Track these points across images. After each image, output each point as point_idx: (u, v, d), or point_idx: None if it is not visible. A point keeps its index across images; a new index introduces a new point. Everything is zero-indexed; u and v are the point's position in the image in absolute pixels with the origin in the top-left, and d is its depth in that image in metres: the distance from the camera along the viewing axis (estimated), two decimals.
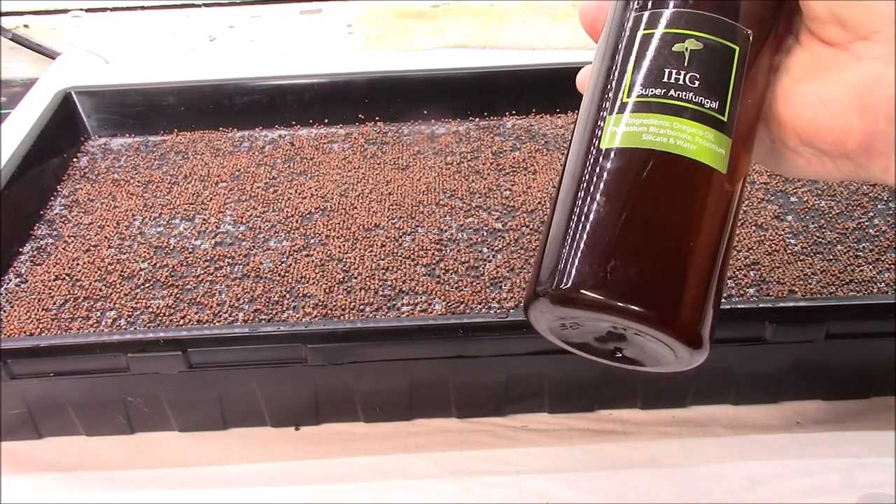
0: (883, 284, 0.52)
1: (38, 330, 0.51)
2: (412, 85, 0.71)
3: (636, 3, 0.31)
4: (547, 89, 0.71)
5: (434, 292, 0.52)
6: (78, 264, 0.56)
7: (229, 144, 0.69)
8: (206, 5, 0.95)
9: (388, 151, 0.67)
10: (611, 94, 0.30)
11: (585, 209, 0.28)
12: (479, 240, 0.57)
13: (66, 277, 0.55)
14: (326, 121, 0.71)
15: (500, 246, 0.56)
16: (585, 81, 0.34)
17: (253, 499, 0.46)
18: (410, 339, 0.45)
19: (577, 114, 0.32)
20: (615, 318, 0.28)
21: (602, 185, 0.28)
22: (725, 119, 0.29)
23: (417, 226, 0.58)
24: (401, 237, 0.57)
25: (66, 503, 0.46)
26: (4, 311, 0.52)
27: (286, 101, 0.71)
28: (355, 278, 0.54)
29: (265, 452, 0.49)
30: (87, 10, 0.95)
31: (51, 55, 0.95)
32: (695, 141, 0.28)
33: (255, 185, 0.64)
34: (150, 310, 0.52)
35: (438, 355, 0.46)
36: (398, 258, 0.55)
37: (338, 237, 0.58)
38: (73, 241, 0.59)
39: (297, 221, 0.60)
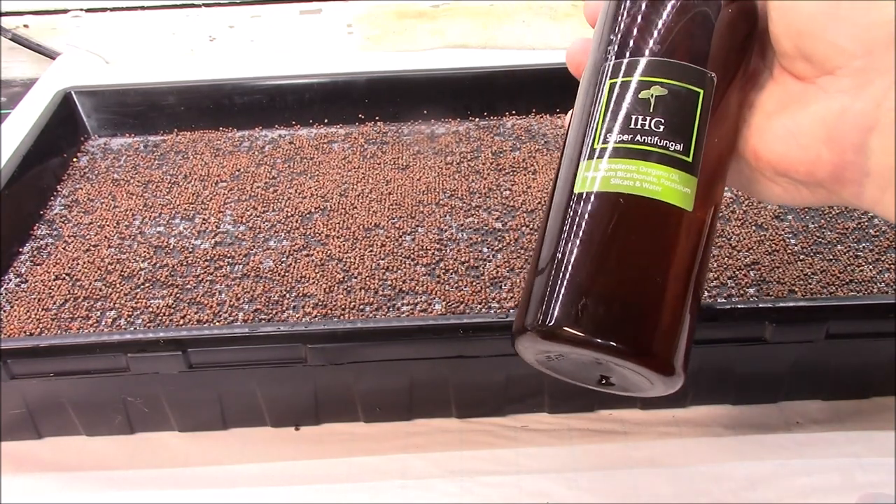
0: (883, 284, 0.52)
1: (38, 330, 0.51)
2: (412, 85, 0.71)
3: (610, 52, 0.33)
4: (547, 89, 0.71)
5: (434, 292, 0.52)
6: (78, 264, 0.56)
7: (229, 144, 0.69)
8: (206, 5, 0.95)
9: (388, 151, 0.67)
10: (586, 140, 0.32)
11: (562, 250, 0.31)
12: (479, 240, 0.57)
13: (66, 277, 0.55)
14: (326, 121, 0.71)
15: (500, 246, 0.56)
16: (577, 60, 0.36)
17: (253, 499, 0.46)
18: (410, 339, 0.45)
19: (561, 153, 0.35)
20: (592, 353, 0.30)
21: (576, 228, 0.31)
22: (691, 160, 0.31)
23: (417, 225, 0.58)
24: (401, 237, 0.57)
25: (65, 503, 0.46)
26: (4, 311, 0.52)
27: (286, 101, 0.71)
28: (355, 278, 0.54)
29: (265, 452, 0.49)
30: (87, 10, 0.95)
31: (51, 55, 0.95)
32: (660, 183, 0.30)
33: (255, 184, 0.64)
34: (150, 310, 0.52)
35: (438, 355, 0.46)
36: (398, 258, 0.55)
37: (338, 237, 0.58)
38: (73, 241, 0.59)
39: (297, 221, 0.60)
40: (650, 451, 0.48)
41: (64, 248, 0.58)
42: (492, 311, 0.51)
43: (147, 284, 0.54)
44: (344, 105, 0.71)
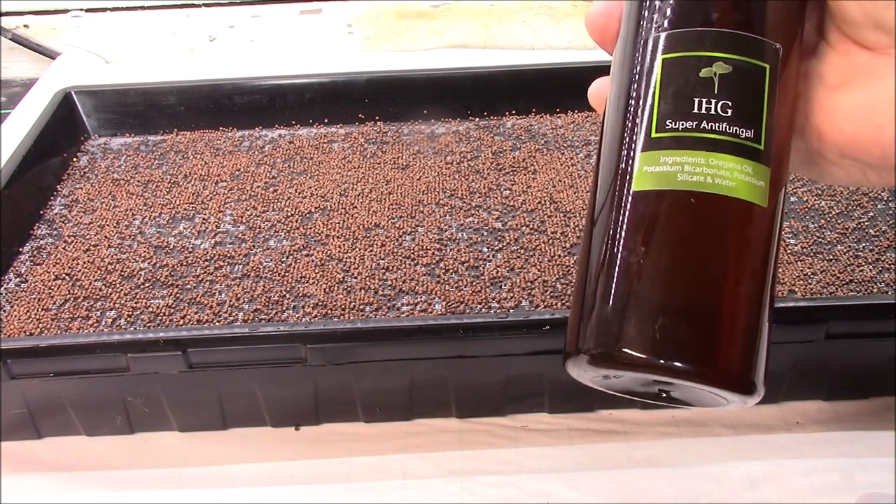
0: (883, 284, 0.52)
1: (38, 330, 0.51)
2: (412, 85, 0.71)
3: (654, 21, 0.29)
4: (547, 89, 0.71)
5: (434, 292, 0.52)
6: (78, 264, 0.56)
7: (229, 144, 0.69)
8: (206, 5, 0.95)
9: (388, 151, 0.67)
10: (637, 128, 0.28)
11: (622, 260, 0.26)
12: (479, 239, 0.57)
13: (66, 277, 0.55)
14: (326, 120, 0.71)
15: (500, 246, 0.56)
16: (600, 95, 0.31)
17: (253, 499, 0.46)
18: (410, 339, 0.45)
19: (601, 139, 0.30)
20: (667, 377, 0.26)
21: (638, 234, 0.26)
22: (762, 147, 0.27)
23: (417, 225, 0.58)
24: (401, 237, 0.57)
25: (65, 503, 0.46)
26: (4, 311, 0.52)
27: (286, 101, 0.71)
28: (355, 278, 0.54)
29: (265, 452, 0.49)
30: (87, 10, 0.94)
31: (51, 55, 0.95)
32: (734, 177, 0.26)
33: (255, 184, 0.64)
34: (150, 310, 0.52)
35: (438, 355, 0.46)
36: (398, 258, 0.55)
37: (338, 237, 0.58)
38: (73, 241, 0.59)
39: (296, 221, 0.60)
40: (650, 451, 0.48)
41: (64, 248, 0.58)
42: (492, 311, 0.51)
43: (147, 284, 0.54)
44: (344, 105, 0.71)
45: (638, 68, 0.28)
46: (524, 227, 0.58)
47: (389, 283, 0.53)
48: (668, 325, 0.25)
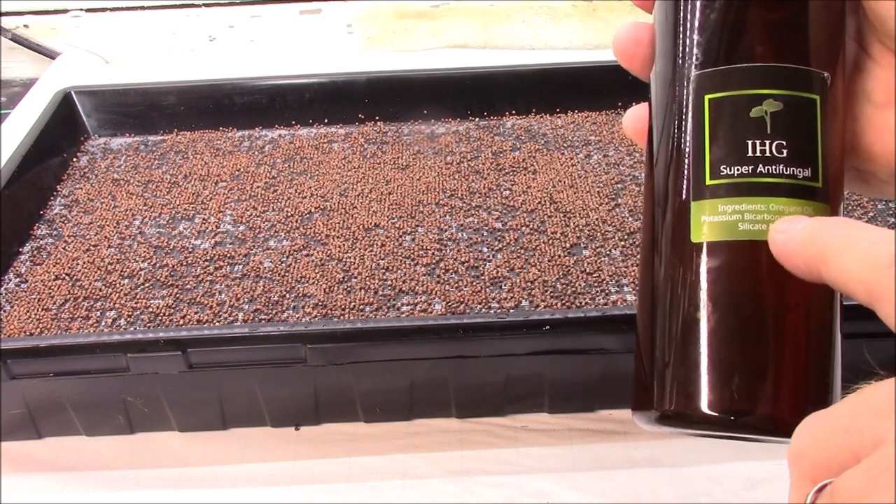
0: None
1: (38, 330, 0.51)
2: (412, 85, 0.71)
3: (694, 56, 0.27)
4: (547, 89, 0.71)
5: (434, 292, 0.52)
6: (78, 264, 0.56)
7: (229, 144, 0.69)
8: (206, 5, 0.95)
9: (388, 151, 0.67)
10: (688, 173, 0.26)
11: (689, 315, 0.25)
12: (479, 240, 0.57)
13: (66, 277, 0.55)
14: (326, 120, 0.71)
15: (500, 246, 0.56)
16: (636, 128, 0.30)
17: (253, 499, 0.46)
18: (410, 339, 0.45)
19: (649, 179, 0.28)
20: (745, 435, 0.25)
21: (702, 290, 0.25)
22: (820, 185, 0.25)
23: (417, 225, 0.58)
24: (401, 237, 0.57)
25: (65, 503, 0.46)
26: (4, 311, 0.52)
27: (286, 101, 0.71)
28: (355, 278, 0.54)
29: (265, 452, 0.49)
30: (87, 10, 0.94)
31: (51, 55, 0.95)
32: None
33: (255, 184, 0.64)
34: (150, 310, 0.52)
35: (438, 355, 0.46)
36: (398, 258, 0.55)
37: (338, 237, 0.58)
38: (72, 241, 0.59)
39: (296, 221, 0.60)
40: (650, 451, 0.48)
41: (64, 248, 0.58)
42: (492, 311, 0.51)
43: (147, 284, 0.54)
44: (344, 105, 0.71)
45: (681, 108, 0.27)
46: (524, 227, 0.58)
47: (389, 283, 0.53)
48: (746, 384, 0.24)
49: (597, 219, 0.58)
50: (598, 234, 0.57)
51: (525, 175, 0.64)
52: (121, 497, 0.46)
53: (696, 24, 0.27)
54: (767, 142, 0.25)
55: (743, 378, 0.24)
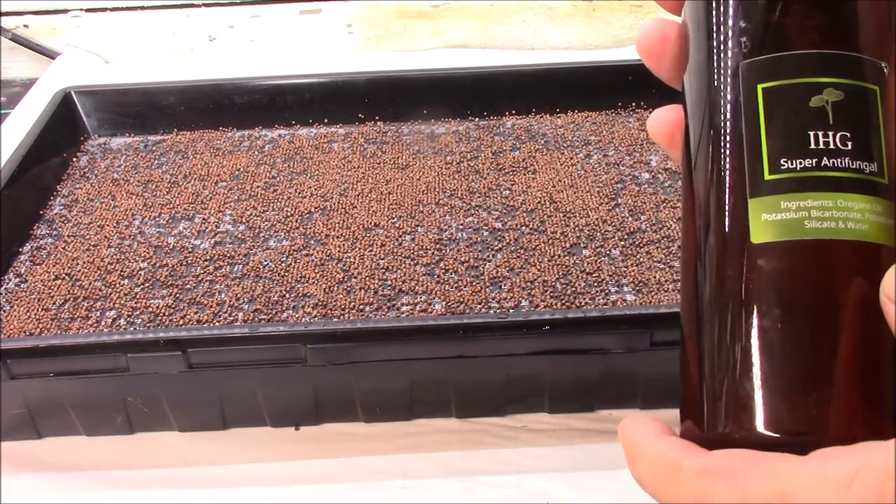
0: None
1: (38, 330, 0.51)
2: (412, 85, 0.71)
3: (739, 45, 0.25)
4: (547, 89, 0.71)
5: (434, 292, 0.52)
6: (78, 264, 0.56)
7: (229, 144, 0.69)
8: (206, 5, 0.95)
9: (387, 151, 0.67)
10: (743, 169, 0.24)
11: (751, 327, 0.23)
12: (479, 239, 0.57)
13: (66, 277, 0.55)
14: (326, 120, 0.71)
15: (500, 246, 0.56)
16: (665, 130, 0.28)
17: (253, 499, 0.46)
18: (410, 339, 0.45)
19: (688, 181, 0.26)
20: None
21: (768, 296, 0.23)
22: (886, 180, 0.24)
23: (417, 225, 0.58)
24: (400, 237, 0.57)
25: (65, 503, 0.46)
26: (4, 311, 0.52)
27: (286, 101, 0.71)
28: (355, 278, 0.54)
29: (265, 452, 0.49)
30: (87, 10, 0.94)
31: (51, 55, 0.95)
32: (865, 219, 0.23)
33: (254, 184, 0.64)
34: (150, 310, 0.52)
35: (438, 355, 0.46)
36: (398, 258, 0.55)
37: (337, 237, 0.58)
38: (72, 241, 0.59)
39: (296, 221, 0.60)
40: None
41: (64, 248, 0.58)
42: (492, 311, 0.51)
43: (147, 284, 0.54)
44: (344, 105, 0.71)
45: (728, 101, 0.25)
46: (524, 227, 0.58)
47: (389, 283, 0.53)
48: (820, 400, 0.22)
49: (597, 219, 0.58)
50: (598, 234, 0.57)
51: (525, 175, 0.64)
52: (121, 497, 0.46)
53: (742, 9, 0.25)
54: (831, 133, 0.23)
55: (820, 395, 0.22)
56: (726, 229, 0.24)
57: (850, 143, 0.23)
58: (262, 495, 0.46)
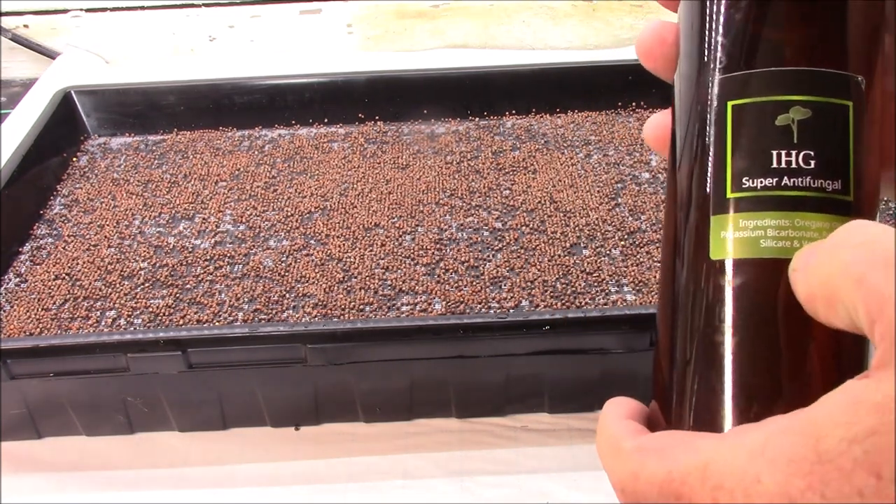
0: None
1: (38, 330, 0.51)
2: (412, 85, 0.71)
3: (716, 59, 0.25)
4: (547, 89, 0.71)
5: (434, 292, 0.52)
6: (78, 264, 0.56)
7: (229, 144, 0.69)
8: (206, 5, 0.95)
9: (387, 151, 0.67)
10: (709, 185, 0.24)
11: (706, 338, 0.24)
12: (479, 239, 0.57)
13: (66, 277, 0.55)
14: (326, 120, 0.71)
15: (500, 246, 0.56)
16: (657, 136, 0.28)
17: (253, 499, 0.46)
18: (410, 339, 0.45)
19: (671, 188, 0.26)
20: None
21: (719, 311, 0.23)
22: (852, 198, 0.23)
23: (417, 225, 0.58)
24: (401, 236, 0.57)
25: (65, 503, 0.46)
26: (4, 311, 0.52)
27: (286, 101, 0.71)
28: (355, 278, 0.54)
29: (265, 452, 0.49)
30: (87, 10, 0.94)
31: (51, 55, 0.95)
32: (823, 237, 0.23)
33: (254, 184, 0.64)
34: (150, 310, 0.52)
35: (438, 355, 0.46)
36: (398, 258, 0.55)
37: (338, 236, 0.58)
38: (72, 241, 0.59)
39: (296, 221, 0.60)
40: None
41: (64, 248, 0.58)
42: (492, 311, 0.51)
43: (147, 284, 0.54)
44: (344, 105, 0.71)
45: (703, 115, 0.25)
46: (524, 227, 0.58)
47: (389, 283, 0.53)
48: (764, 413, 0.22)
49: (597, 218, 0.58)
50: (598, 234, 0.57)
51: (525, 175, 0.64)
52: (121, 497, 0.46)
53: (721, 23, 0.25)
54: (794, 152, 0.23)
55: (761, 407, 0.22)
56: (692, 244, 0.25)
57: (813, 162, 0.23)
58: (262, 495, 0.46)
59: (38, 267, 0.56)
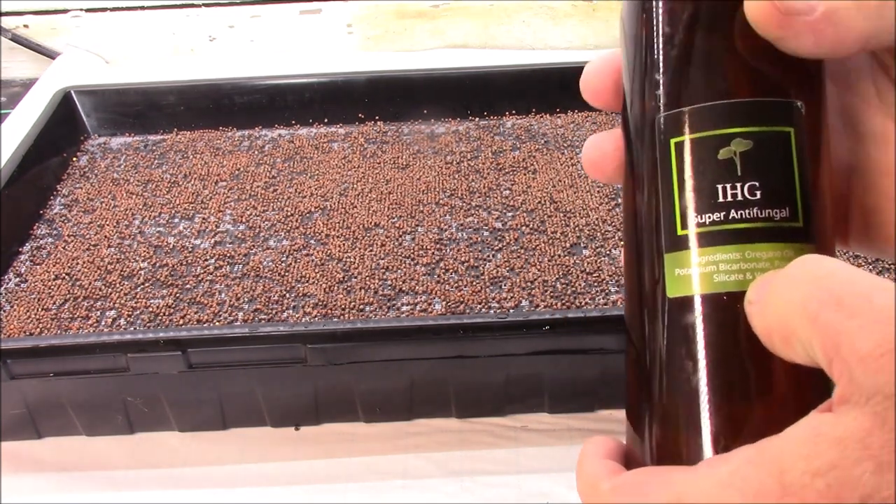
0: None
1: (38, 330, 0.51)
2: (412, 85, 0.71)
3: (655, 97, 0.25)
4: (547, 89, 0.71)
5: (434, 292, 0.52)
6: (78, 264, 0.56)
7: (229, 144, 0.69)
8: (206, 5, 0.95)
9: (387, 151, 0.67)
10: (661, 224, 0.24)
11: (668, 376, 0.24)
12: (479, 239, 0.57)
13: (66, 277, 0.55)
14: (326, 120, 0.71)
15: (500, 246, 0.56)
16: (593, 158, 0.27)
17: (253, 499, 0.46)
18: (410, 339, 0.45)
19: (627, 222, 0.27)
20: None
21: (680, 348, 0.24)
22: (802, 223, 0.23)
23: (417, 225, 0.58)
24: (401, 236, 0.57)
25: (65, 503, 0.46)
26: (4, 311, 0.52)
27: (286, 101, 0.71)
28: (355, 278, 0.54)
29: (265, 452, 0.49)
30: (87, 10, 0.94)
31: (51, 55, 0.95)
32: (774, 266, 0.23)
33: (254, 184, 0.64)
34: (150, 309, 0.52)
35: (438, 355, 0.46)
36: (398, 258, 0.55)
37: (338, 236, 0.58)
38: (72, 241, 0.59)
39: (296, 221, 0.60)
40: None
41: (64, 248, 0.58)
42: (492, 311, 0.51)
43: (147, 284, 0.54)
44: (344, 105, 0.71)
45: (649, 154, 0.25)
46: (524, 227, 0.58)
47: (389, 282, 0.53)
48: (725, 447, 0.22)
49: (597, 218, 0.58)
50: (598, 234, 0.57)
51: (525, 175, 0.64)
52: (121, 497, 0.46)
53: (657, 61, 0.25)
54: (738, 184, 0.23)
55: (729, 439, 0.22)
56: (649, 282, 0.25)
57: (758, 193, 0.23)
58: (262, 495, 0.46)
59: (38, 267, 0.56)
